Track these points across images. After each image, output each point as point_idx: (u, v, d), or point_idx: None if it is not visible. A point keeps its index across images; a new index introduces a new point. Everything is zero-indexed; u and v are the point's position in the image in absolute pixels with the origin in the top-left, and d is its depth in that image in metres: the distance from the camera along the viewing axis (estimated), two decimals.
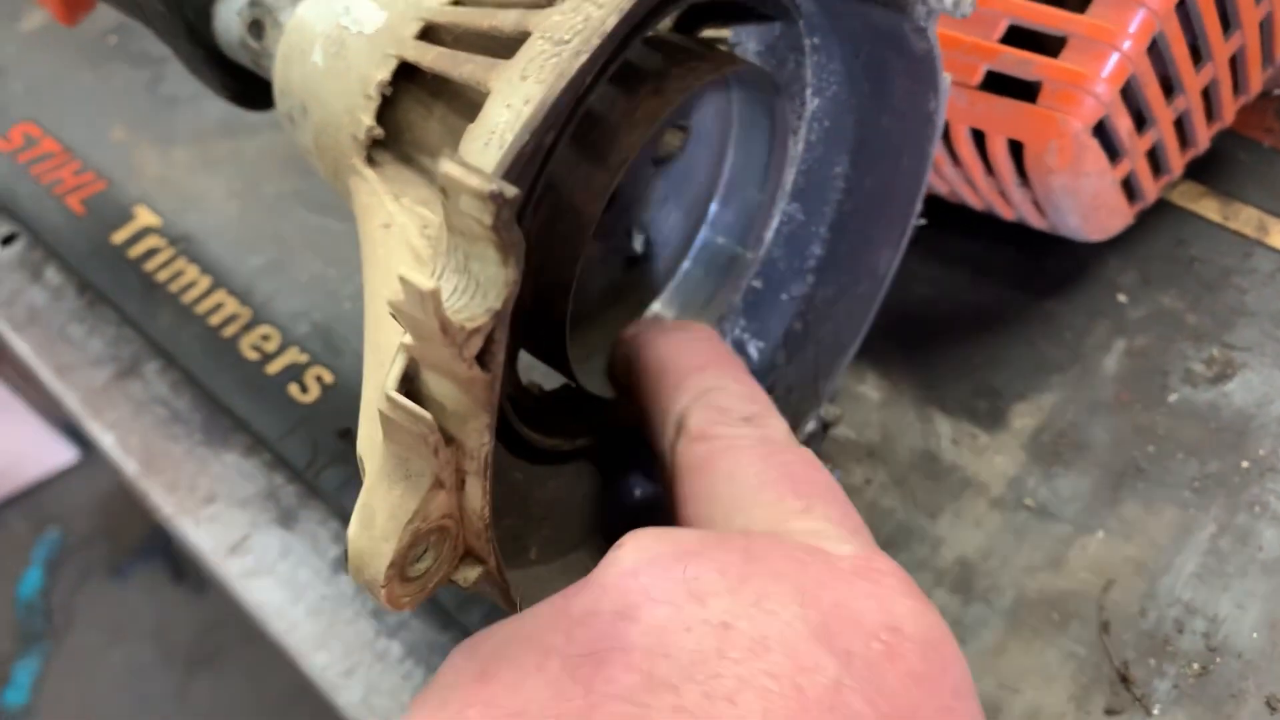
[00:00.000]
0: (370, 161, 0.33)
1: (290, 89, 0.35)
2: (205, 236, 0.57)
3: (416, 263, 0.29)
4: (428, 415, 0.22)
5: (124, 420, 0.51)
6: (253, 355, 0.51)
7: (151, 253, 0.56)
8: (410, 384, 0.23)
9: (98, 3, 0.55)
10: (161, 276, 0.55)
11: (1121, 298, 0.43)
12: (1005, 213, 0.42)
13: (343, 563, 0.45)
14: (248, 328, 0.52)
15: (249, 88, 0.42)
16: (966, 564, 0.39)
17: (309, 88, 0.34)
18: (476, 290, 0.22)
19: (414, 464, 0.23)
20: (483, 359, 0.21)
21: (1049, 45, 0.34)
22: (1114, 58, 0.33)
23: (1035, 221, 0.41)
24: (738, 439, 0.28)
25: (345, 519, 0.45)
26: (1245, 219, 0.44)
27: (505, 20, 0.30)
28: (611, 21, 0.24)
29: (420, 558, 0.25)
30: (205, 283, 0.55)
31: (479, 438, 0.23)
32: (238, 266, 0.55)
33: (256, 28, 0.38)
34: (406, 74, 0.32)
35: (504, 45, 0.31)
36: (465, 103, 0.33)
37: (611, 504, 0.38)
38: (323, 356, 0.50)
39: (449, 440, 0.23)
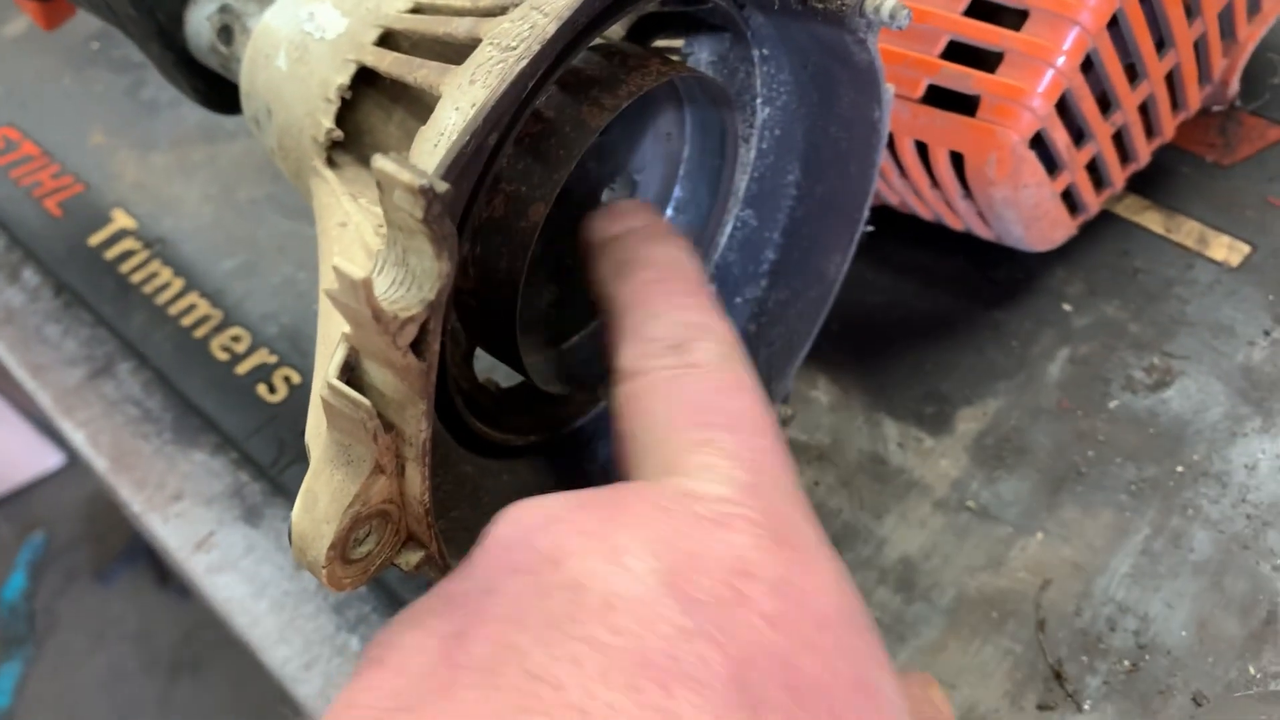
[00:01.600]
0: (330, 163, 0.34)
1: (255, 92, 0.36)
2: (180, 240, 0.58)
3: (368, 258, 0.30)
4: (366, 401, 0.23)
5: (95, 419, 0.52)
6: (223, 356, 0.52)
7: (127, 255, 0.57)
8: (351, 373, 0.24)
9: (78, 9, 0.56)
10: (136, 278, 0.56)
11: (1067, 307, 0.45)
12: (953, 223, 0.43)
13: None
14: (219, 329, 0.53)
15: (219, 92, 0.43)
16: (909, 563, 0.40)
17: (273, 91, 0.35)
18: (413, 282, 0.23)
19: (355, 450, 0.24)
20: (418, 348, 0.22)
21: (987, 61, 0.36)
22: (1049, 73, 0.35)
23: (982, 232, 0.42)
24: (660, 372, 0.27)
25: None
26: (1187, 231, 0.45)
27: (458, 28, 0.31)
28: (552, 28, 0.25)
29: (362, 541, 0.25)
30: (178, 284, 0.56)
31: (416, 424, 0.24)
32: (211, 269, 0.56)
33: (225, 33, 0.39)
34: (366, 79, 0.33)
35: (457, 51, 0.32)
36: (422, 107, 0.35)
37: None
38: (291, 358, 0.51)
39: (389, 427, 0.24)
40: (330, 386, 0.23)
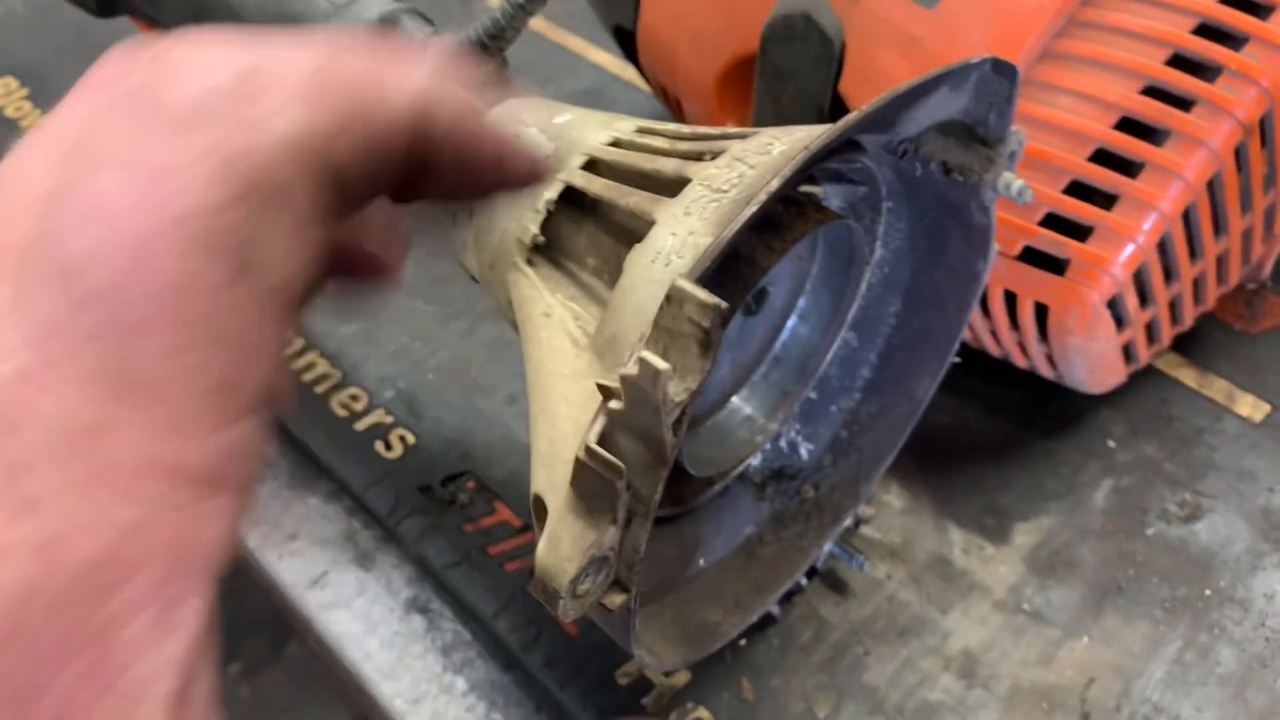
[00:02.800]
0: (529, 262, 0.40)
1: None
2: None
3: (574, 347, 0.36)
4: (621, 465, 0.29)
5: None
6: (342, 412, 0.57)
7: None
8: (604, 440, 0.30)
9: None
10: None
11: (1111, 443, 0.51)
12: (1019, 361, 0.49)
13: (414, 604, 0.51)
14: (338, 387, 0.59)
15: None
16: (970, 654, 0.45)
17: None
18: (674, 375, 0.29)
19: (595, 504, 0.30)
20: (675, 426, 0.28)
21: (1077, 231, 0.43)
22: (1129, 248, 0.42)
23: (1044, 372, 0.49)
24: None
25: (421, 564, 0.51)
26: (1217, 388, 0.52)
27: (666, 166, 0.37)
28: (775, 184, 0.32)
29: (584, 581, 0.31)
30: (298, 343, 0.61)
31: (653, 487, 0.29)
32: (330, 333, 0.61)
33: None
34: (564, 196, 0.40)
35: (662, 186, 0.39)
36: (611, 225, 0.41)
37: (680, 570, 0.44)
38: (406, 420, 0.57)
39: (628, 487, 0.30)
40: (589, 450, 0.29)
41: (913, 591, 0.47)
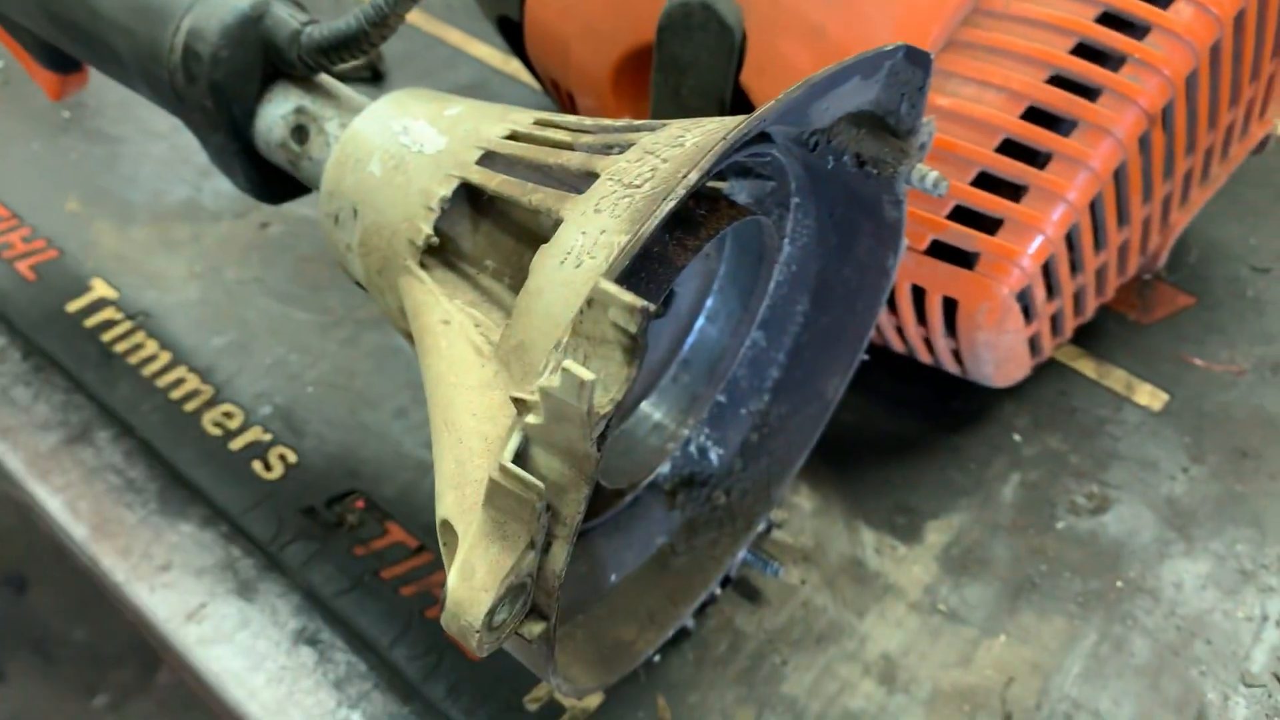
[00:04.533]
0: (422, 265, 0.37)
1: (340, 192, 0.39)
2: (165, 314, 0.59)
3: (477, 355, 0.34)
4: (539, 484, 0.26)
5: (74, 484, 0.52)
6: (215, 431, 0.53)
7: (108, 324, 0.58)
8: (520, 458, 0.27)
9: (86, 83, 0.57)
10: (120, 348, 0.57)
11: (1016, 437, 0.51)
12: (924, 357, 0.49)
13: (302, 635, 0.47)
14: (209, 404, 0.54)
15: (273, 184, 0.46)
16: (889, 659, 0.44)
17: (362, 194, 0.39)
18: (599, 385, 0.26)
19: (510, 527, 0.27)
20: (599, 440, 0.26)
21: (986, 224, 0.42)
22: (1038, 239, 0.41)
23: (949, 367, 0.48)
24: None
25: (309, 593, 0.47)
26: (1116, 379, 0.52)
27: (571, 160, 0.35)
28: (693, 177, 0.30)
29: (500, 611, 0.28)
30: (165, 358, 0.57)
31: (575, 507, 0.27)
32: (200, 345, 0.57)
33: (299, 132, 0.42)
34: (460, 193, 0.37)
35: (567, 181, 0.36)
36: (511, 223, 0.38)
37: (592, 588, 0.42)
38: (285, 437, 0.53)
39: (548, 508, 0.27)
40: (503, 469, 0.27)
41: (827, 596, 0.46)
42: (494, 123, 0.38)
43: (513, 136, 0.38)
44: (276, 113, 0.43)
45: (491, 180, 0.36)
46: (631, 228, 0.31)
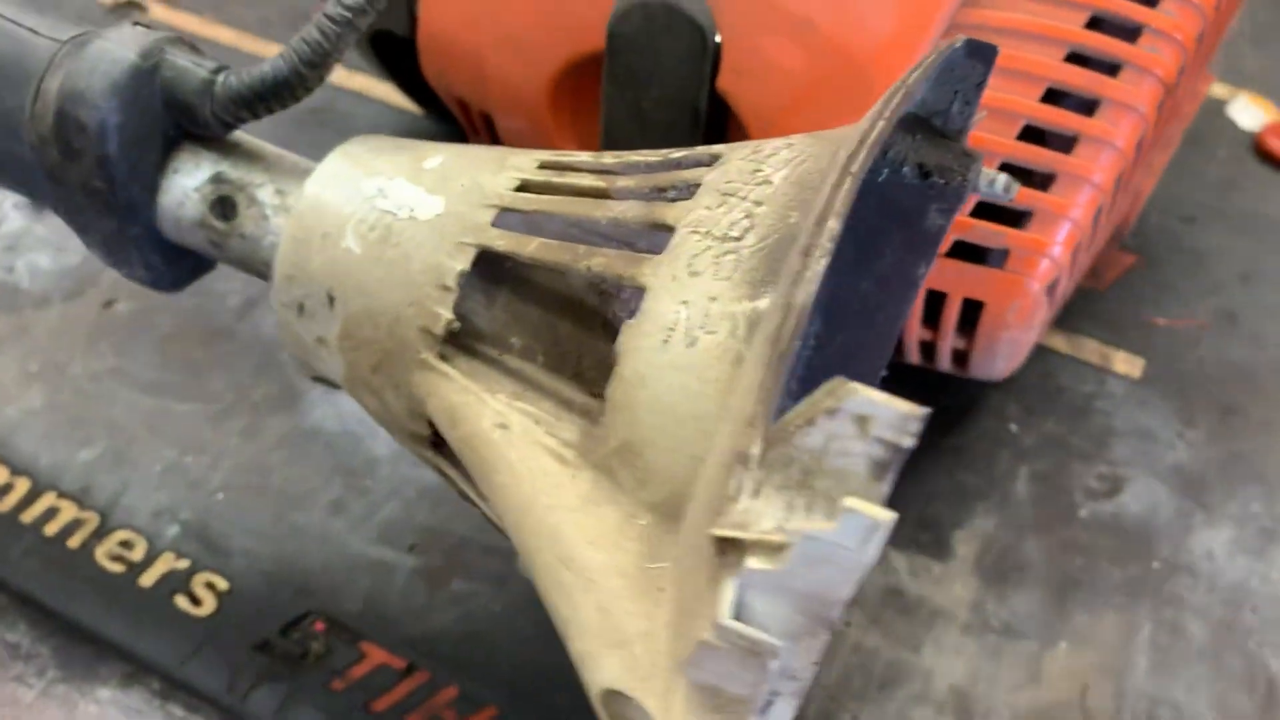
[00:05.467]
0: (442, 357, 0.30)
1: (306, 276, 0.32)
2: (7, 431, 0.48)
3: (562, 466, 0.28)
4: (778, 643, 0.21)
5: None
6: (115, 567, 0.44)
7: None
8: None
9: None
10: None
11: (1013, 427, 0.49)
12: (914, 359, 0.46)
13: None
14: (99, 534, 0.45)
15: (177, 269, 0.37)
16: (959, 691, 0.41)
17: (339, 276, 0.31)
18: (806, 508, 0.21)
19: (730, 693, 0.22)
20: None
21: (1011, 218, 0.39)
22: (1067, 227, 0.39)
23: (944, 367, 0.45)
24: None
25: None
26: (1090, 350, 0.51)
27: (626, 211, 0.29)
28: (836, 227, 0.25)
29: None
30: (23, 485, 0.46)
31: (811, 658, 0.22)
32: (64, 462, 0.47)
33: (224, 206, 0.34)
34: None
35: (618, 237, 0.31)
36: (536, 291, 0.32)
37: None
38: (207, 560, 0.44)
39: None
40: (722, 629, 0.21)
41: (877, 635, 0.42)
42: (492, 172, 0.32)
43: (524, 187, 0.31)
44: (187, 184, 0.34)
45: (524, 245, 0.30)
46: (752, 292, 0.26)
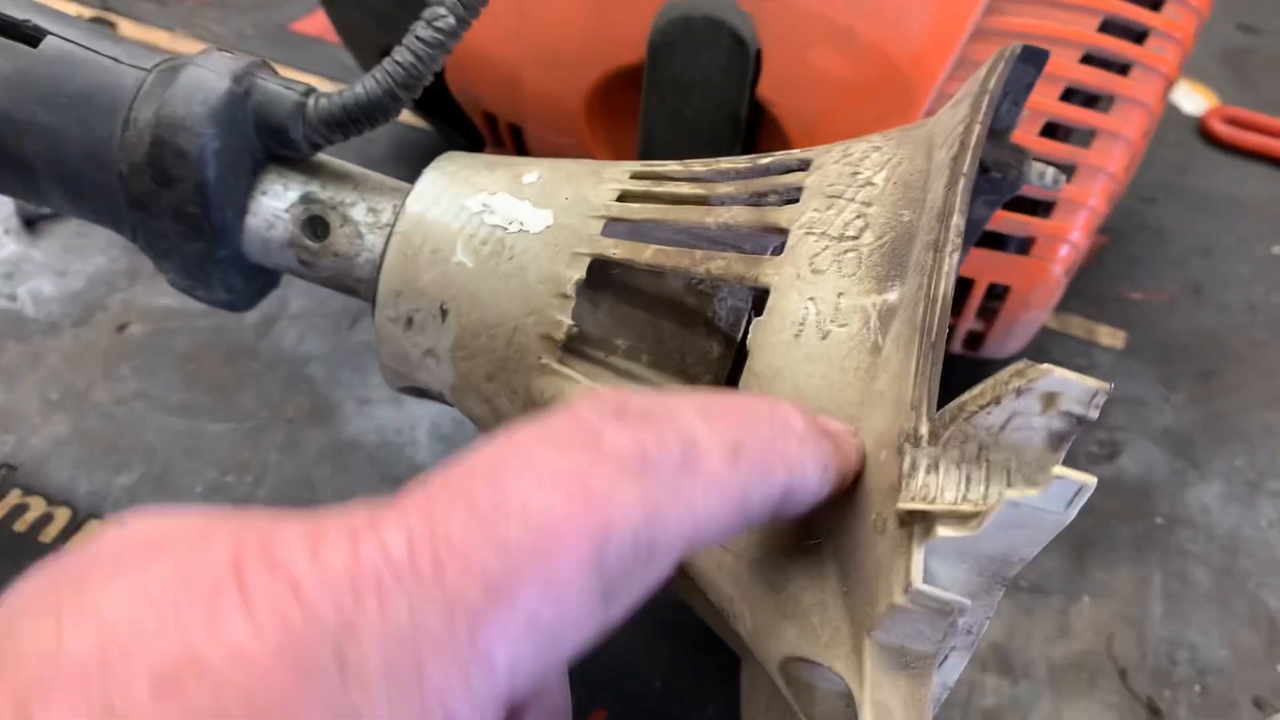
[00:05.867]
0: (562, 362, 0.32)
1: (416, 291, 0.33)
2: (35, 461, 0.47)
3: None
4: (965, 601, 0.23)
5: None
6: None
7: None
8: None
9: None
10: None
11: None
12: None
13: None
14: None
15: (254, 289, 0.38)
16: (998, 647, 0.44)
17: (453, 289, 0.33)
18: (985, 479, 0.24)
19: (915, 651, 0.24)
20: None
21: (1031, 206, 0.42)
22: (1083, 213, 0.42)
23: (955, 349, 0.49)
24: None
25: None
26: (1076, 325, 0.55)
27: (737, 217, 0.31)
28: (960, 222, 0.27)
29: None
30: (64, 516, 0.46)
31: (986, 613, 0.24)
32: (102, 489, 0.47)
33: (315, 225, 0.35)
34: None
35: (728, 241, 0.33)
36: (637, 295, 0.34)
37: None
38: None
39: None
40: (915, 592, 0.23)
41: None
42: (591, 184, 0.33)
43: (624, 197, 0.33)
44: (277, 206, 0.35)
45: (639, 253, 0.31)
46: (879, 286, 0.28)
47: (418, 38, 0.34)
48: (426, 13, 0.33)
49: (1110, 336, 0.55)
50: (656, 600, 0.34)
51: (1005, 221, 0.42)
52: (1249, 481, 0.50)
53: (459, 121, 0.53)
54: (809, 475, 0.23)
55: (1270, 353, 0.55)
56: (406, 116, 0.60)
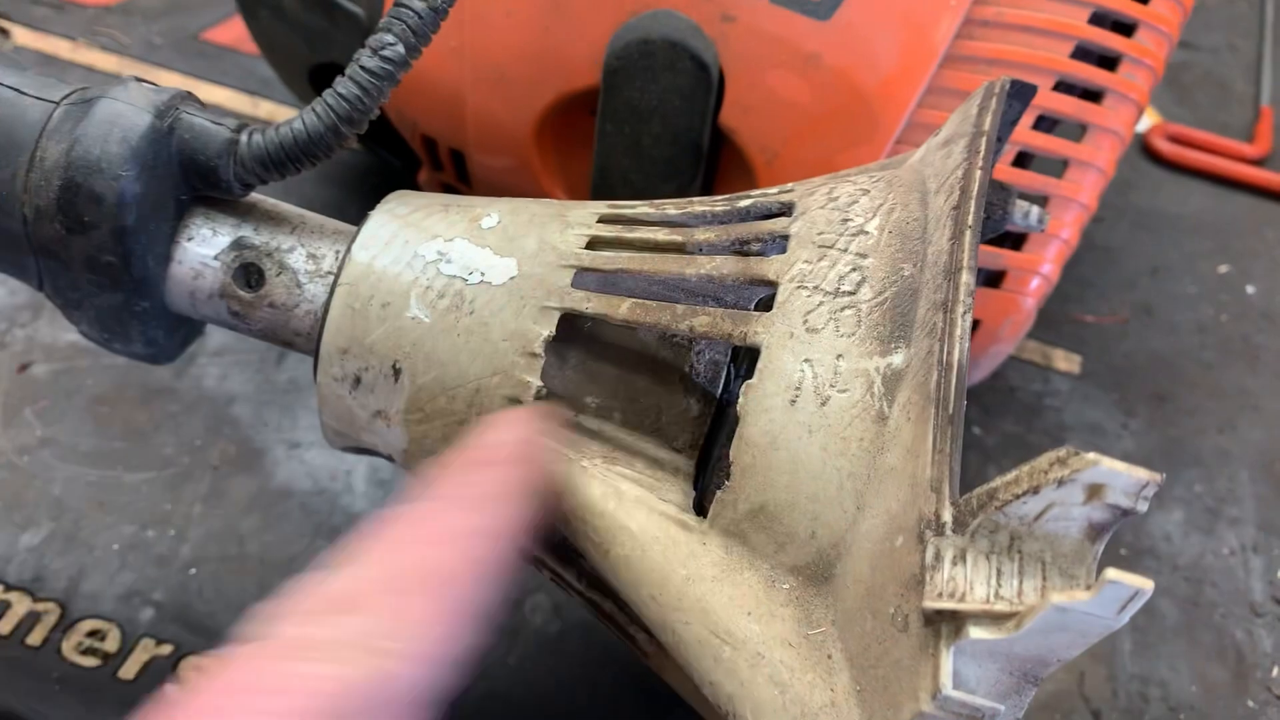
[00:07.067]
0: None
1: (364, 348, 0.30)
2: None
3: (685, 532, 0.27)
4: (999, 707, 0.21)
5: None
6: (88, 661, 0.40)
7: None
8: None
9: None
10: None
11: (976, 430, 0.51)
12: None
13: None
14: (62, 627, 0.41)
15: (177, 340, 0.34)
16: None
17: (407, 347, 0.30)
18: (1018, 574, 0.22)
19: None
20: None
21: (1008, 240, 0.41)
22: (1055, 244, 0.41)
23: None
24: None
25: None
26: (1031, 350, 0.54)
27: (720, 268, 0.29)
28: (970, 280, 0.25)
29: None
30: None
31: (1016, 714, 0.22)
32: (6, 552, 0.43)
33: (248, 273, 0.32)
34: None
35: (710, 294, 0.30)
36: (607, 349, 0.32)
37: None
38: (192, 643, 0.41)
39: None
40: (947, 699, 0.21)
41: None
42: (558, 229, 0.31)
43: (593, 244, 0.30)
44: (205, 253, 0.32)
45: (615, 307, 0.29)
46: (881, 348, 0.26)
47: (363, 67, 0.30)
48: (373, 40, 0.30)
49: (1066, 361, 0.54)
50: (625, 661, 0.32)
51: (979, 255, 0.40)
52: (1209, 509, 0.50)
53: (393, 143, 0.49)
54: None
55: (1221, 375, 0.55)
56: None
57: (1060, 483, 0.21)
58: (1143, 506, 0.21)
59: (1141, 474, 0.20)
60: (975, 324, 0.42)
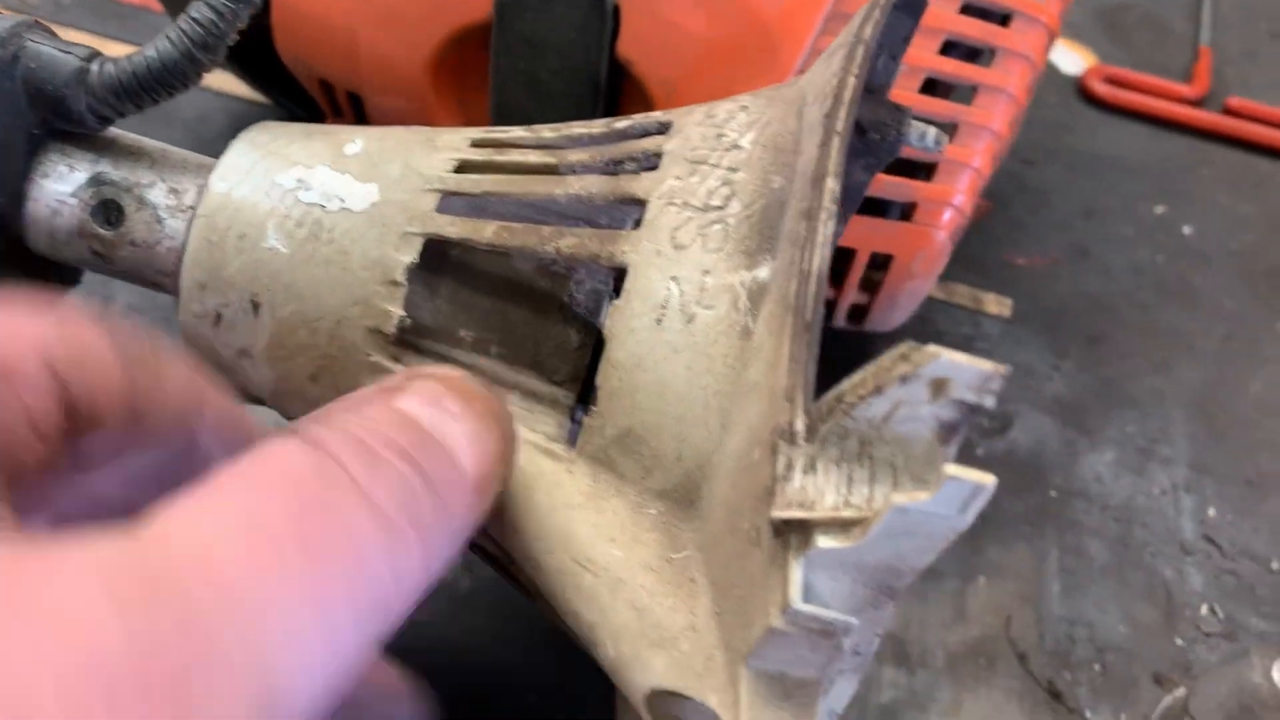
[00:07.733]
0: (396, 359, 0.28)
1: (223, 282, 0.29)
2: None
3: (554, 460, 0.26)
4: (852, 620, 0.20)
5: None
6: None
7: None
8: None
9: None
10: None
11: None
12: None
13: None
14: None
15: (45, 284, 0.33)
16: (894, 637, 0.42)
17: (265, 279, 0.28)
18: (869, 479, 0.21)
19: (797, 677, 0.21)
20: None
21: (916, 170, 0.40)
22: (967, 174, 0.39)
23: (839, 323, 0.46)
24: None
25: None
26: (961, 294, 0.53)
27: (588, 187, 0.27)
28: (835, 186, 0.24)
29: None
30: None
31: (877, 629, 0.21)
32: None
33: (108, 211, 0.30)
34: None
35: (581, 215, 0.29)
36: (481, 278, 0.30)
37: None
38: None
39: None
40: (794, 613, 0.20)
41: None
42: (424, 154, 0.29)
43: (463, 168, 0.29)
44: (61, 190, 0.30)
45: (480, 231, 0.28)
46: (748, 261, 0.25)
47: None
48: None
49: (997, 304, 0.53)
50: (537, 613, 0.31)
51: (885, 186, 0.39)
52: (1140, 449, 0.49)
53: (296, 92, 0.48)
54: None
55: (1157, 315, 0.54)
56: (244, 90, 0.54)
57: (904, 379, 0.20)
58: (989, 401, 0.20)
59: (985, 366, 0.19)
60: (886, 260, 0.41)
